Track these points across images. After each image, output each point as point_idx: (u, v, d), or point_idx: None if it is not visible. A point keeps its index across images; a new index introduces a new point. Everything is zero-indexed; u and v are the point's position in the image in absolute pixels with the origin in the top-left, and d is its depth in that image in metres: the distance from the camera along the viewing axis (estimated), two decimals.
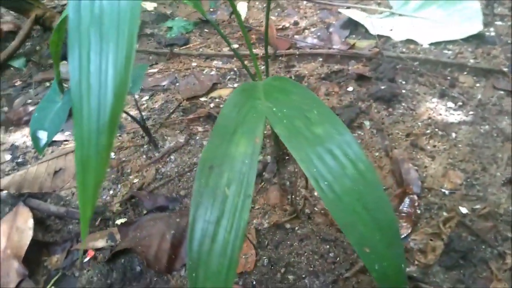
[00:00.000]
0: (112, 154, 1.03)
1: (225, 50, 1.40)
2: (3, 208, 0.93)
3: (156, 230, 0.80)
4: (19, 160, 1.05)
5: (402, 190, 0.87)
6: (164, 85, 1.26)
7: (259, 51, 1.36)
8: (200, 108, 1.12)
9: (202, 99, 1.17)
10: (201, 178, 0.49)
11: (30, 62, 1.48)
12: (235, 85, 1.22)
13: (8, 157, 1.07)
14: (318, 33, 1.42)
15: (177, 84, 1.25)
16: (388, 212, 0.46)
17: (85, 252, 0.85)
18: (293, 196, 0.86)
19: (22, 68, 1.46)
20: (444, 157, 0.92)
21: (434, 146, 0.95)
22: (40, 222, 0.90)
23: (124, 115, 1.06)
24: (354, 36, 1.39)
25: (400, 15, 1.39)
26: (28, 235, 0.82)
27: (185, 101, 1.16)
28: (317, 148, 0.48)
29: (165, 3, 1.70)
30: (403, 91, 1.09)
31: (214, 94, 1.18)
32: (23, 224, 0.84)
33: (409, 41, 1.29)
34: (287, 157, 0.95)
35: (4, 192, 0.93)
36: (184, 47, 1.45)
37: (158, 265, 0.76)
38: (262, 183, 0.92)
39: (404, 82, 1.13)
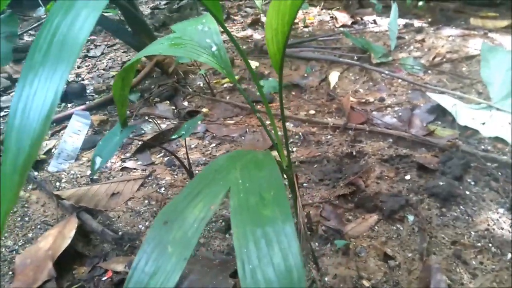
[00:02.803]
0: (163, 189, 1.14)
1: (302, 114, 1.44)
2: (64, 214, 1.09)
3: None
4: (94, 177, 1.23)
5: None
6: (233, 137, 1.34)
7: (333, 120, 1.36)
8: None
9: None
10: (154, 230, 0.53)
11: (143, 98, 1.73)
12: (295, 148, 1.24)
13: (88, 172, 1.26)
14: (400, 113, 1.36)
15: (244, 138, 1.32)
16: None
17: (106, 271, 0.94)
18: None
19: (135, 101, 1.71)
20: (489, 279, 0.78)
21: (481, 263, 0.81)
22: (85, 235, 1.03)
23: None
24: (439, 122, 1.29)
25: (498, 109, 1.25)
26: (66, 243, 0.95)
27: None
28: (257, 229, 0.48)
29: (266, 64, 1.84)
30: (467, 192, 0.97)
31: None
32: (68, 233, 0.98)
33: (498, 140, 1.15)
34: (308, 232, 0.92)
35: (70, 202, 1.09)
36: None
37: None
38: None
39: (472, 183, 1.00)
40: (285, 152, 0.82)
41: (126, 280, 0.50)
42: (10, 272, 0.95)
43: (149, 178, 1.19)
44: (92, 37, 2.74)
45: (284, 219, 0.48)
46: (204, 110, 1.54)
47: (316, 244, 0.90)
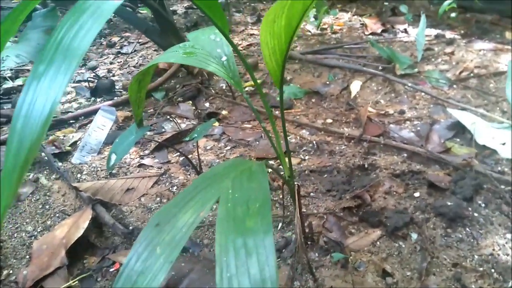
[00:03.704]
0: (175, 188, 1.18)
1: (319, 122, 1.45)
2: (81, 205, 1.15)
3: None
4: (113, 171, 1.29)
5: None
6: (248, 141, 1.37)
7: (349, 130, 1.36)
8: None
9: (270, 162, 1.24)
10: (146, 230, 0.56)
11: (167, 97, 1.78)
12: (307, 157, 1.25)
13: None
14: (419, 128, 1.34)
15: (258, 142, 1.34)
16: None
17: (114, 263, 0.99)
18: (295, 283, 0.84)
19: (160, 99, 1.77)
20: None
21: None
22: (98, 226, 1.08)
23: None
24: (458, 140, 1.27)
25: None
26: (79, 233, 1.00)
27: (254, 159, 1.25)
28: (238, 239, 0.50)
29: (289, 69, 1.85)
30: (475, 214, 0.95)
31: None
32: (82, 223, 1.03)
33: None
34: (309, 242, 0.93)
35: (87, 194, 1.15)
36: (285, 111, 1.55)
37: None
38: (278, 260, 0.92)
39: (483, 205, 0.98)
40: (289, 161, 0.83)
41: (117, 275, 0.54)
42: (27, 256, 1.02)
43: (164, 176, 1.23)
44: (126, 34, 2.84)
45: (265, 231, 0.49)
46: (224, 112, 1.58)
47: (316, 254, 0.91)
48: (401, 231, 0.93)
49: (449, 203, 0.96)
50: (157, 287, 0.51)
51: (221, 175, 0.60)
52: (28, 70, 2.32)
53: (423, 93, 1.54)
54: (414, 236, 0.92)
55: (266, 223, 0.50)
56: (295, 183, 0.83)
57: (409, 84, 1.57)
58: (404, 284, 0.83)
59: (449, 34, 2.10)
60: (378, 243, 0.93)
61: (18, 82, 2.15)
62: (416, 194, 1.04)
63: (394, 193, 1.05)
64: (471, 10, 2.39)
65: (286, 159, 0.86)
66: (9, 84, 2.11)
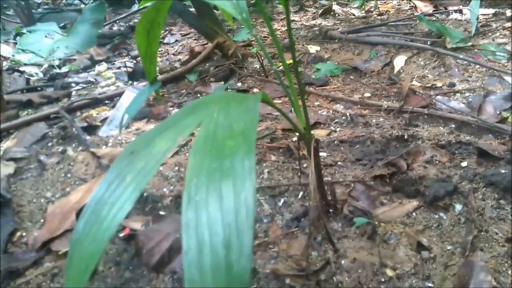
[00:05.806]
0: None
1: (356, 96, 1.32)
2: (101, 172, 1.12)
3: (164, 228, 0.82)
4: None
5: None
6: (276, 115, 1.28)
7: (389, 104, 1.22)
8: (285, 140, 1.09)
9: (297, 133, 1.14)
10: (119, 159, 0.49)
11: (200, 78, 1.74)
12: (338, 129, 1.13)
13: (133, 138, 1.29)
14: (470, 99, 1.18)
15: None
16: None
17: (124, 228, 0.94)
18: (313, 253, 0.73)
19: (193, 81, 1.73)
20: None
21: None
22: None
23: None
24: None
25: None
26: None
27: (280, 130, 1.15)
28: (214, 160, 0.41)
29: (327, 48, 1.74)
30: None
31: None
32: (95, 187, 0.99)
33: None
34: (331, 210, 0.81)
35: (105, 160, 1.12)
36: (320, 87, 1.45)
37: (148, 260, 0.76)
38: (296, 229, 0.81)
39: None
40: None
41: (84, 208, 0.47)
42: (42, 220, 0.99)
43: (185, 148, 1.18)
44: (171, 28, 2.86)
45: (246, 151, 0.40)
46: (255, 90, 1.50)
47: (339, 224, 0.80)
48: (442, 201, 0.79)
49: (503, 171, 0.80)
50: (124, 216, 0.44)
51: (209, 102, 0.52)
52: (75, 59, 2.40)
53: (477, 66, 1.37)
54: (458, 207, 0.78)
55: (248, 143, 0.41)
56: (313, 136, 0.73)
57: (461, 56, 1.39)
58: (443, 259, 0.70)
59: (509, 12, 1.87)
60: (414, 214, 0.79)
61: (64, 69, 2.22)
62: (463, 164, 0.89)
63: (437, 162, 0.91)
64: None
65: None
66: (55, 71, 2.19)
